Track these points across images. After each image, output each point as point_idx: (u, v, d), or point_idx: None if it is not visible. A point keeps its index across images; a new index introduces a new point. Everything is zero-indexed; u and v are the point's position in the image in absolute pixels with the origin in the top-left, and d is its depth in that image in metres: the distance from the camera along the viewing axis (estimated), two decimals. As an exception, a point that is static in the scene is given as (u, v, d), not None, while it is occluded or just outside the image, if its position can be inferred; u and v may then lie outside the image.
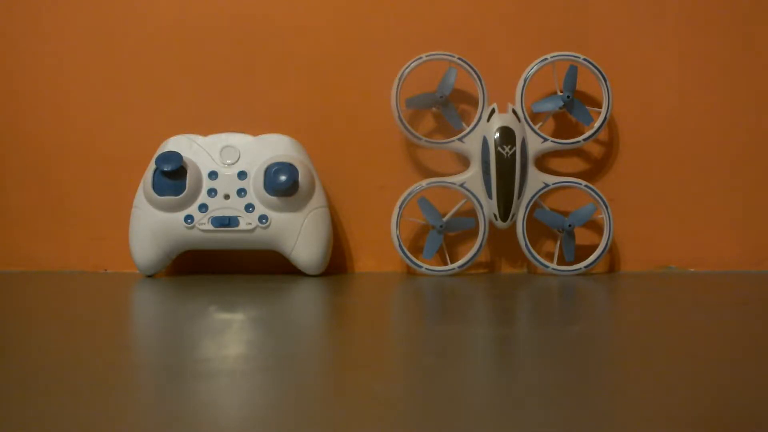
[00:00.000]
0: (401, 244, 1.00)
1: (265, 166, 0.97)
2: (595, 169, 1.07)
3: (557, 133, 1.06)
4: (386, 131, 1.05)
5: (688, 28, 1.07)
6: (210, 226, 0.96)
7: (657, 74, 1.07)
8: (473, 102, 1.04)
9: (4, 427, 0.39)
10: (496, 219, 1.00)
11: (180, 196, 0.96)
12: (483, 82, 1.00)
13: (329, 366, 0.55)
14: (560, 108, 1.01)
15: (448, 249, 1.03)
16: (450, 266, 1.01)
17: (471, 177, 1.00)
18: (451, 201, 1.02)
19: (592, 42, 1.06)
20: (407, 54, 1.01)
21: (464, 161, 1.03)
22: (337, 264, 1.06)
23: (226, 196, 0.97)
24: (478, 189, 1.00)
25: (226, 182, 0.97)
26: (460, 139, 1.00)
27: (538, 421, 0.41)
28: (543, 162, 1.05)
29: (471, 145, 1.00)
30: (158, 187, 0.96)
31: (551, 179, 1.01)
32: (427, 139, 1.02)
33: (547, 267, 1.01)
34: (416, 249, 1.05)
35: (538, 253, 1.02)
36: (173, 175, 0.96)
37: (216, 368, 0.51)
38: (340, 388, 0.48)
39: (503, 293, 0.90)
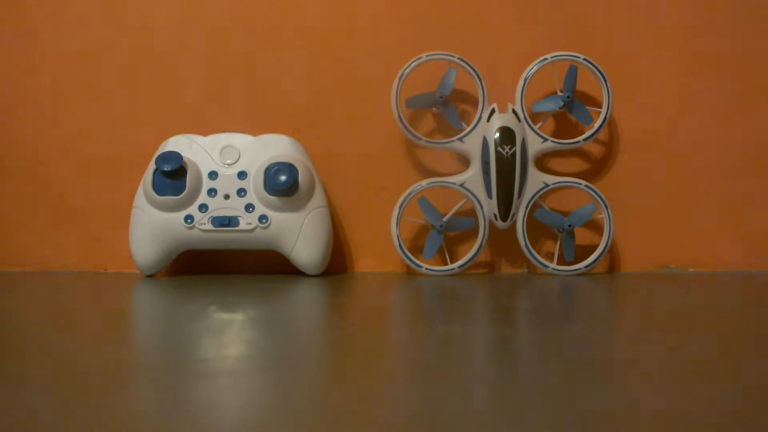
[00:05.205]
0: (401, 244, 1.00)
1: (265, 166, 0.97)
2: (595, 169, 1.07)
3: (557, 133, 1.06)
4: (386, 131, 1.05)
5: (688, 28, 1.07)
6: (210, 226, 0.96)
7: (657, 74, 1.07)
8: (473, 102, 1.04)
9: (4, 427, 0.39)
10: (496, 219, 1.00)
11: (180, 196, 0.96)
12: (483, 82, 1.00)
13: (329, 366, 0.55)
14: (560, 108, 1.01)
15: (448, 249, 1.03)
16: (450, 266, 1.01)
17: (471, 177, 1.00)
18: (451, 201, 1.02)
19: (592, 42, 1.06)
20: (407, 54, 1.01)
21: (464, 161, 1.03)
22: (337, 264, 1.06)
23: (226, 196, 0.97)
24: (478, 189, 1.00)
25: (226, 182, 0.97)
26: (460, 139, 1.00)
27: (539, 420, 0.41)
28: (543, 162, 1.05)
29: (471, 145, 1.00)
30: (158, 187, 0.96)
31: (551, 179, 1.01)
32: (427, 139, 1.02)
33: (547, 267, 1.01)
34: (416, 249, 1.05)
35: (538, 253, 1.02)
36: (173, 175, 0.96)
37: (216, 368, 0.51)
38: (340, 388, 0.48)
39: (503, 293, 0.90)
